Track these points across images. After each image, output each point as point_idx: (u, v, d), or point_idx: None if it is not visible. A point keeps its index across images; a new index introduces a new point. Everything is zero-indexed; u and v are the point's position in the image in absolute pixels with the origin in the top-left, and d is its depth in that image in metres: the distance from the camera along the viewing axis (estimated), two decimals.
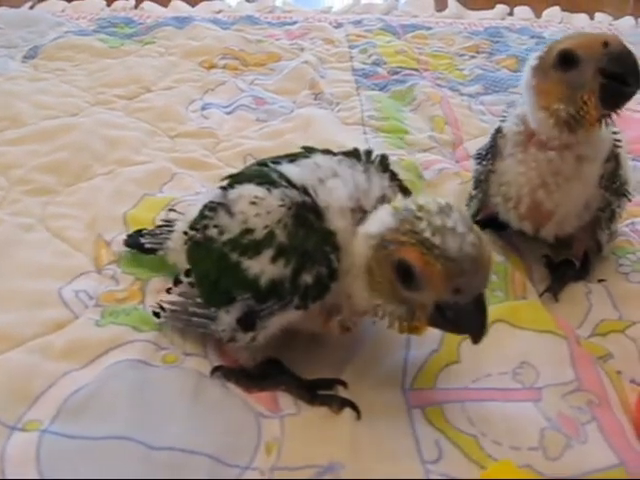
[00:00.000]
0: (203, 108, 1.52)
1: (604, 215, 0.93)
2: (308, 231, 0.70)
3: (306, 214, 0.71)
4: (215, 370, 0.81)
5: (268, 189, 0.74)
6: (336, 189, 0.72)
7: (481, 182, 0.99)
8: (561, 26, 2.21)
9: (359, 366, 0.81)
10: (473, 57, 1.86)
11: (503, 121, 0.98)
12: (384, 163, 0.78)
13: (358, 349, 0.83)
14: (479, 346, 0.79)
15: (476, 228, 0.64)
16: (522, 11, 2.31)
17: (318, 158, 0.78)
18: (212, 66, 1.77)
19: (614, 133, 0.93)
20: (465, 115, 1.46)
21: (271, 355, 0.80)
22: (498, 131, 0.96)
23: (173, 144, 1.37)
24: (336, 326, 0.76)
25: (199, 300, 0.81)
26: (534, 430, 0.73)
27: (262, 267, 0.72)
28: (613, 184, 0.91)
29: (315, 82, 1.60)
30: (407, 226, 0.62)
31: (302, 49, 1.88)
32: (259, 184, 0.75)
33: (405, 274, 0.62)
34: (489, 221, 1.03)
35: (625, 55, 0.79)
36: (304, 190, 0.72)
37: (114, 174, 1.22)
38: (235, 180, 0.80)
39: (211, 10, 2.37)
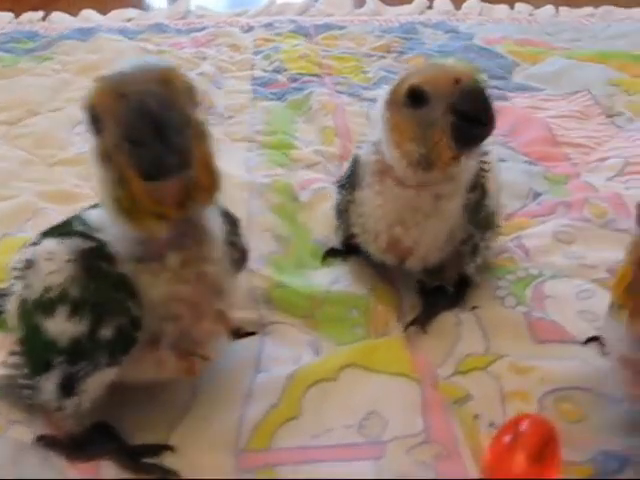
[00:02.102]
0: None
1: (466, 249, 0.86)
2: (99, 281, 0.65)
3: (96, 262, 0.65)
4: (38, 439, 0.74)
5: (61, 241, 0.67)
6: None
7: (342, 212, 0.92)
8: (480, 18, 2.14)
9: (192, 425, 0.75)
10: (382, 57, 1.80)
11: (360, 147, 0.90)
12: None
13: (192, 406, 0.77)
14: (324, 397, 0.73)
15: None
16: (442, 3, 2.24)
17: None
18: None
19: (481, 159, 0.85)
20: (360, 124, 1.40)
21: (101, 419, 0.74)
22: (356, 159, 0.89)
23: (48, 174, 1.28)
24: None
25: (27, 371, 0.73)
26: None
27: (60, 327, 0.65)
28: (477, 215, 0.84)
29: (206, 96, 1.51)
30: None
31: (204, 58, 1.80)
32: (58, 235, 0.69)
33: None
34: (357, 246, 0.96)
35: (477, 93, 0.72)
36: (93, 236, 0.66)
37: None
38: (47, 232, 0.73)
39: (122, 18, 2.28)
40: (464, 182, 0.83)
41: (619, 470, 0.69)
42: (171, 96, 0.57)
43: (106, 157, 0.59)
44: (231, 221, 0.77)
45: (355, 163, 0.90)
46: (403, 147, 0.77)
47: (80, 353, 0.66)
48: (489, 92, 0.72)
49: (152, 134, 0.55)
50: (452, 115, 0.72)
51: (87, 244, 0.66)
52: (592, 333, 0.85)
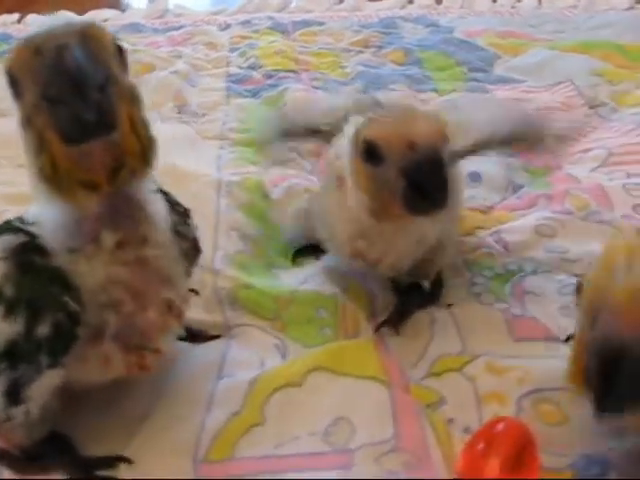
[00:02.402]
0: None
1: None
2: (32, 276, 0.61)
3: (29, 257, 0.61)
4: None
5: None
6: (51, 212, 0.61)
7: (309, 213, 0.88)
8: (461, 11, 2.10)
9: (149, 435, 0.70)
10: (360, 52, 1.76)
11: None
12: None
13: (150, 415, 0.72)
14: (289, 403, 0.69)
15: None
16: None
17: None
18: None
19: None
20: None
21: (53, 429, 0.70)
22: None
23: (13, 176, 1.23)
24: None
25: None
26: None
27: None
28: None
29: (180, 93, 1.47)
30: None
31: (180, 56, 1.75)
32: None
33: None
34: None
35: (429, 163, 0.66)
36: (26, 230, 0.62)
37: None
38: None
39: (98, 19, 2.23)
40: None
41: (602, 475, 0.65)
42: (91, 51, 0.53)
43: (26, 121, 0.54)
44: (179, 211, 0.73)
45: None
46: (359, 193, 0.72)
47: (19, 355, 0.62)
48: (444, 160, 0.66)
49: (70, 90, 0.51)
50: (404, 180, 0.66)
51: (19, 239, 0.62)
52: (574, 330, 0.80)
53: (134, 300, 0.63)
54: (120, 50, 0.57)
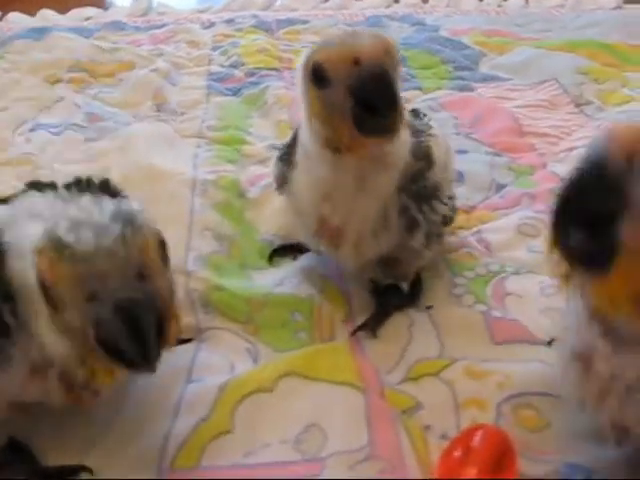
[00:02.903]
0: (31, 130, 1.35)
1: (400, 222, 0.77)
2: None
3: None
4: None
5: None
6: (26, 228, 0.59)
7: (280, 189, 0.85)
8: (448, 10, 2.08)
9: (113, 443, 0.67)
10: None
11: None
12: (104, 186, 0.68)
13: (115, 421, 0.70)
14: (259, 409, 0.66)
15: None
16: None
17: (34, 196, 0.67)
18: (57, 80, 1.60)
19: (422, 129, 0.80)
20: None
21: (13, 438, 0.68)
22: (295, 133, 0.81)
23: None
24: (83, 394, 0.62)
25: None
26: None
27: None
28: (413, 185, 0.76)
29: (159, 92, 1.44)
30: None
31: (161, 55, 1.72)
32: None
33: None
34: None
35: (375, 77, 0.64)
36: None
37: None
38: None
39: (81, 17, 2.20)
40: (398, 156, 0.75)
41: None
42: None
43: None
44: None
45: (294, 137, 0.82)
46: (313, 126, 0.71)
47: None
48: (390, 75, 0.65)
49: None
50: (351, 99, 0.65)
51: None
52: (556, 332, 0.78)
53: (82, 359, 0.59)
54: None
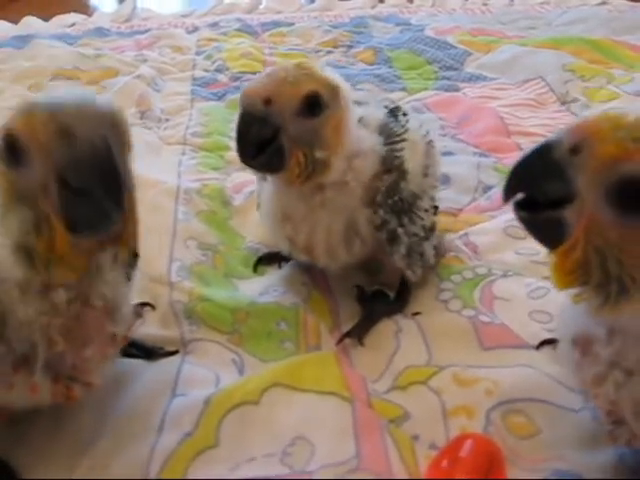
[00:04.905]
0: None
1: (382, 236, 0.77)
2: None
3: None
4: None
5: None
6: None
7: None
8: (432, 10, 2.07)
9: (97, 458, 0.66)
10: (330, 52, 1.74)
11: None
12: None
13: (99, 437, 0.68)
14: (244, 422, 0.65)
15: None
16: None
17: None
18: (41, 89, 1.58)
19: (392, 140, 0.78)
20: None
21: None
22: None
23: None
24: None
25: None
26: None
27: None
28: (389, 199, 0.76)
29: (143, 98, 1.43)
30: None
31: (145, 60, 1.72)
32: None
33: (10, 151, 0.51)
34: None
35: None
36: None
37: None
38: None
39: (64, 24, 2.19)
40: (359, 171, 0.75)
41: None
42: (121, 143, 0.52)
43: (24, 195, 0.52)
44: None
45: None
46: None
47: None
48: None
49: (100, 187, 0.50)
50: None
51: None
52: (545, 336, 0.77)
53: (70, 342, 0.59)
54: (129, 133, 0.56)
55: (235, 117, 1.16)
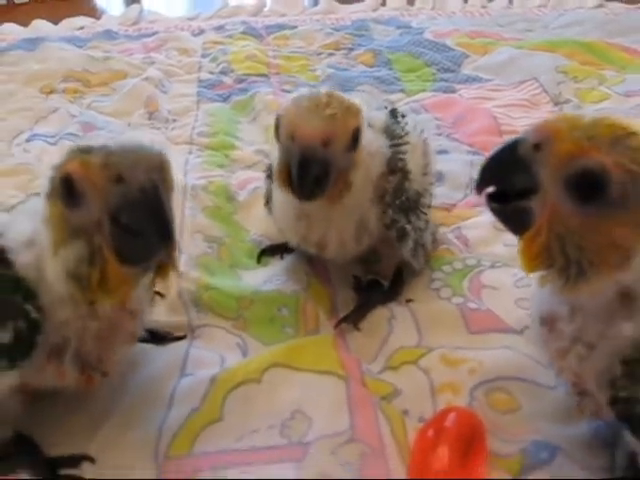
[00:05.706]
0: (28, 140, 1.39)
1: (392, 234, 0.83)
2: None
3: None
4: None
5: None
6: (21, 225, 0.65)
7: (267, 203, 0.90)
8: (432, 13, 2.12)
9: (111, 433, 0.72)
10: (332, 54, 1.79)
11: None
12: None
13: (112, 413, 0.74)
14: (247, 399, 0.71)
15: None
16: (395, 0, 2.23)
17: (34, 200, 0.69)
18: (52, 91, 1.65)
19: (396, 142, 0.84)
20: None
21: (17, 430, 0.71)
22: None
23: None
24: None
25: None
26: None
27: None
28: (396, 200, 0.82)
29: (151, 100, 1.49)
30: None
31: (152, 63, 1.77)
32: None
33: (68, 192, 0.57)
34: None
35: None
36: None
37: None
38: None
39: (73, 27, 2.24)
40: (371, 171, 0.80)
41: (549, 459, 0.67)
42: (167, 188, 0.59)
43: (79, 231, 0.59)
44: None
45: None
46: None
47: None
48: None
49: (151, 227, 0.57)
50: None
51: None
52: (529, 321, 0.82)
53: (99, 340, 0.66)
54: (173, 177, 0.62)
55: (240, 119, 1.22)
